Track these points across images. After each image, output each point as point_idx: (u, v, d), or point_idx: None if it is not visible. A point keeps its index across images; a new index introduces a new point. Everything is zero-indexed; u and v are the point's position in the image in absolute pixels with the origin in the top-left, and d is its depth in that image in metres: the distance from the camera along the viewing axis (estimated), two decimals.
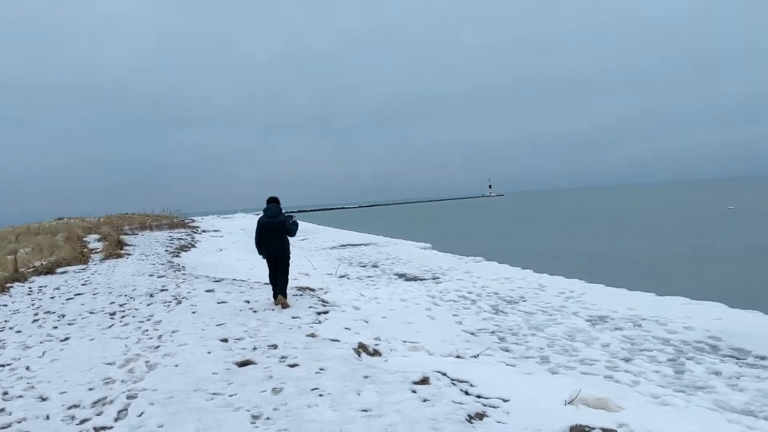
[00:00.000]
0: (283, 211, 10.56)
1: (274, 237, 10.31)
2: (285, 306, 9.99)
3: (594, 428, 4.33)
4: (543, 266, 16.58)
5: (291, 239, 10.72)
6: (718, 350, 7.22)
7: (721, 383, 5.97)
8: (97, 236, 26.00)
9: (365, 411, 4.87)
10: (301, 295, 11.29)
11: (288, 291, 10.97)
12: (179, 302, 10.80)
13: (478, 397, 5.35)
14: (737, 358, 6.82)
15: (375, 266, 17.66)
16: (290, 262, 10.69)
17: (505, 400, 5.21)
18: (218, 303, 10.50)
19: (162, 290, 12.36)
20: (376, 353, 7.16)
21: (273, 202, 10.50)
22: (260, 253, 10.52)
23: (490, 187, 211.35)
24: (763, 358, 6.77)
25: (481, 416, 4.82)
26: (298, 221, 10.81)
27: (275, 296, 10.35)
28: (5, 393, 6.04)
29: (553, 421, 4.66)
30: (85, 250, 21.03)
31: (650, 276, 15.75)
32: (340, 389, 5.44)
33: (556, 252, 23.51)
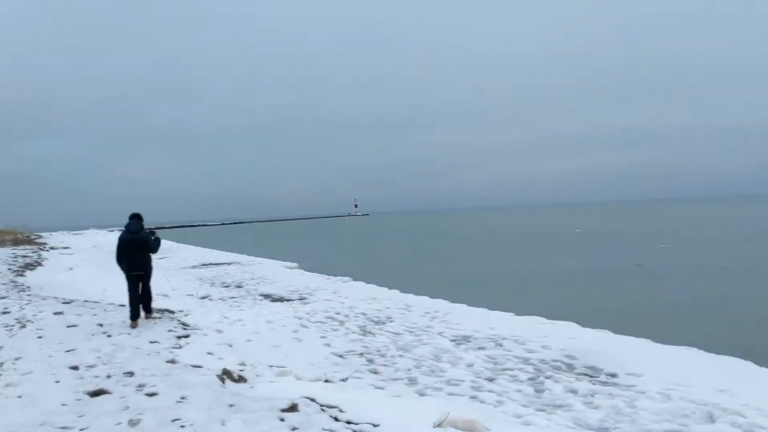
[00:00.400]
0: (145, 227, 10.32)
1: (135, 253, 10.08)
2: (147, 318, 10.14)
3: None
4: (409, 286, 16.89)
5: (152, 256, 10.47)
6: (574, 369, 7.63)
7: (578, 401, 6.28)
8: None
9: None
10: (160, 317, 10.69)
11: (144, 313, 10.50)
12: (23, 326, 9.85)
13: (348, 423, 5.25)
14: (591, 376, 7.23)
15: (239, 287, 17.17)
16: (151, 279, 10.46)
17: (375, 425, 5.15)
18: (68, 327, 9.68)
19: (4, 312, 11.22)
20: (241, 379, 6.88)
21: (135, 218, 10.30)
22: (121, 269, 10.19)
23: (356, 206, 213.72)
24: (613, 375, 7.22)
25: None
26: (160, 238, 10.60)
27: (132, 317, 9.97)
28: None
29: None
30: None
31: (508, 296, 16.51)
32: (203, 419, 5.13)
33: (421, 272, 24.10)
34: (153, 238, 10.29)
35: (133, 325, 9.75)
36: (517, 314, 11.48)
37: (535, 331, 9.77)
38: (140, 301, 10.21)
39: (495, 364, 7.92)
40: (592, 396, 6.43)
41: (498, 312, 11.77)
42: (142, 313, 10.33)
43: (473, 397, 6.49)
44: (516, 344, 8.96)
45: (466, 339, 9.46)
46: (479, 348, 8.83)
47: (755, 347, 9.68)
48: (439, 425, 5.08)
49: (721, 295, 15.33)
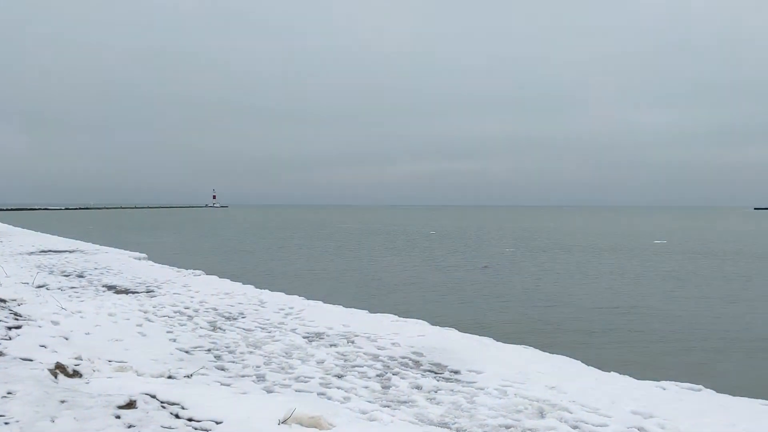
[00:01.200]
0: None
1: None
2: None
3: None
4: (263, 282, 16.71)
5: None
6: (420, 365, 7.86)
7: (422, 397, 6.48)
8: None
9: None
10: None
11: None
12: None
13: (190, 420, 5.08)
14: (435, 373, 7.49)
15: (81, 276, 16.12)
16: None
17: (218, 423, 5.03)
18: None
19: None
20: (76, 374, 6.45)
21: None
22: None
23: (214, 197, 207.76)
24: (456, 372, 7.52)
25: None
26: None
27: None
28: None
29: None
30: None
31: (364, 294, 16.81)
32: (30, 416, 4.75)
33: (278, 267, 23.90)
34: None
35: None
36: (371, 312, 11.68)
37: (387, 329, 9.97)
38: None
39: (345, 360, 8.00)
40: (436, 392, 6.66)
41: (353, 309, 11.90)
42: None
43: (321, 394, 6.50)
44: (367, 341, 9.10)
45: (319, 336, 9.48)
46: (331, 345, 8.88)
47: (582, 347, 10.58)
48: (284, 422, 5.05)
49: (558, 297, 16.53)
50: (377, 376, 7.34)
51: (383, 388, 6.85)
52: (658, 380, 7.35)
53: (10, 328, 8.29)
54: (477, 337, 9.63)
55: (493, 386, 6.87)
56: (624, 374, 7.62)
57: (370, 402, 6.26)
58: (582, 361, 8.16)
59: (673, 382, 7.27)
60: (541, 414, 5.97)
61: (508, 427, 5.59)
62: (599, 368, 7.92)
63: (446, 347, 8.72)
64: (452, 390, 6.75)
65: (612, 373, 7.68)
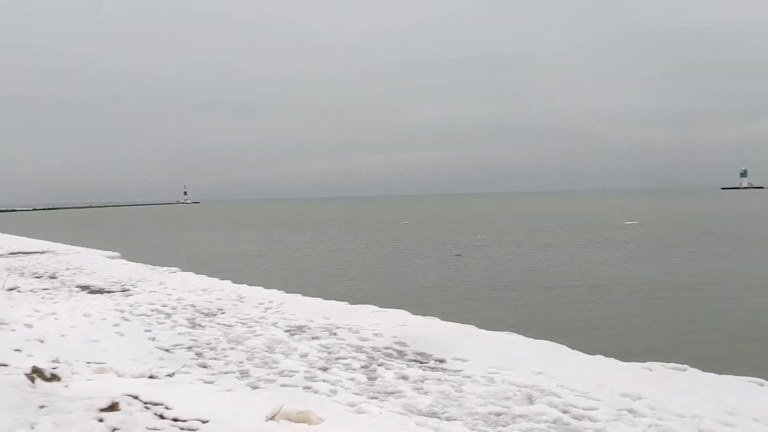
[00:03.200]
0: None
1: None
2: None
3: None
4: (241, 276, 16.54)
5: None
6: (405, 355, 7.81)
7: (409, 387, 6.43)
8: None
9: None
10: None
11: None
12: None
13: (175, 420, 4.97)
14: (421, 362, 7.44)
15: (53, 277, 15.80)
16: None
17: (204, 422, 4.92)
18: None
19: None
20: (54, 378, 6.27)
21: None
22: None
23: (185, 193, 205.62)
24: (442, 361, 7.49)
25: None
26: None
27: None
28: None
29: None
30: None
31: (342, 285, 16.74)
32: (9, 423, 4.59)
33: (255, 262, 23.69)
34: None
35: None
36: (351, 303, 11.61)
37: (368, 320, 9.91)
38: None
39: (329, 353, 7.92)
40: (422, 382, 6.62)
41: (332, 301, 11.82)
42: None
43: (307, 388, 6.42)
44: (350, 333, 9.03)
45: (301, 329, 9.39)
46: (313, 338, 8.79)
47: (565, 330, 10.64)
48: (272, 418, 4.96)
49: (536, 283, 16.63)
50: (362, 367, 7.28)
51: (369, 379, 6.79)
52: (644, 361, 7.40)
53: None
54: (460, 325, 9.61)
55: (479, 374, 6.85)
56: (609, 357, 7.66)
57: (357, 394, 6.21)
58: (567, 345, 8.17)
59: (659, 363, 7.32)
60: (530, 400, 5.96)
61: (498, 414, 5.57)
62: (584, 352, 7.94)
63: (429, 336, 8.69)
64: (439, 379, 6.72)
65: (597, 356, 7.70)
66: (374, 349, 8.16)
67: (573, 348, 8.07)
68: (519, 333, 9.02)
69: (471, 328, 9.35)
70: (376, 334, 8.93)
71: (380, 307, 11.12)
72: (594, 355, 7.77)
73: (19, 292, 12.93)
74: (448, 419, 5.46)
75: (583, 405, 5.78)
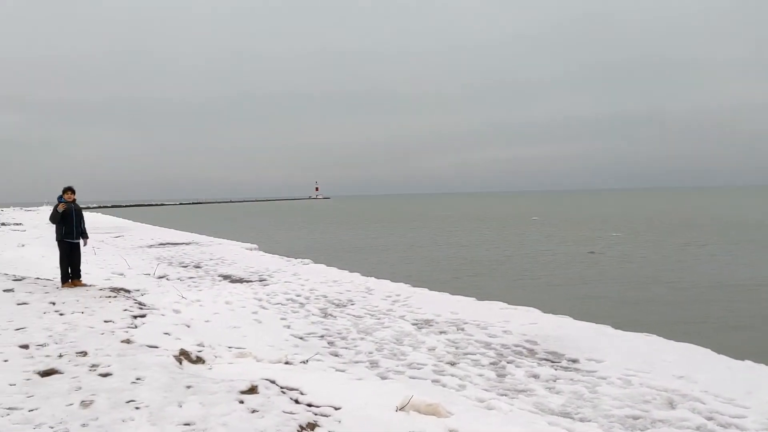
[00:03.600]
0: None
1: (78, 223, 11.57)
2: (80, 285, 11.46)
3: None
4: (370, 270, 16.84)
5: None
6: (535, 354, 7.64)
7: (540, 386, 6.28)
8: None
9: (187, 425, 4.47)
10: (116, 296, 10.40)
11: (99, 292, 10.82)
12: None
13: (309, 405, 5.15)
14: (552, 362, 7.24)
15: (198, 267, 16.88)
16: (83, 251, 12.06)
17: (336, 408, 5.07)
18: (18, 304, 9.35)
19: None
20: (199, 360, 6.71)
21: (72, 191, 11.59)
22: (75, 239, 11.63)
23: (317, 189, 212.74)
24: (575, 361, 7.25)
25: (312, 426, 4.63)
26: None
27: (65, 280, 11.51)
28: None
29: (385, 428, 4.59)
30: None
31: (470, 281, 16.61)
32: (159, 401, 4.96)
33: (383, 256, 24.07)
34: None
35: (73, 285, 11.39)
36: (479, 299, 11.49)
37: (497, 316, 9.77)
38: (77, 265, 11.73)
39: (457, 348, 7.90)
40: (554, 381, 6.44)
41: (459, 297, 11.76)
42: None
43: (435, 381, 6.44)
44: (477, 329, 8.95)
45: (428, 323, 9.43)
46: (441, 332, 8.80)
47: (712, 334, 9.90)
48: (402, 409, 5.01)
49: (675, 283, 15.66)
50: (491, 364, 7.19)
51: (498, 376, 6.70)
52: None
53: (135, 317, 8.76)
54: (594, 324, 9.24)
55: (615, 375, 6.56)
56: (759, 362, 7.07)
57: (486, 390, 6.14)
58: (711, 349, 7.62)
59: None
60: (671, 404, 5.63)
61: (635, 417, 5.32)
62: (730, 356, 7.37)
63: (561, 335, 8.43)
64: (572, 379, 6.51)
65: (746, 361, 7.13)
66: (503, 346, 8.04)
67: (718, 352, 7.52)
68: (657, 335, 8.53)
69: (606, 328, 8.96)
70: (505, 331, 8.79)
71: (508, 304, 10.92)
72: (742, 360, 7.20)
73: (167, 280, 13.92)
74: (581, 420, 5.28)
75: (729, 412, 5.39)
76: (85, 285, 11.61)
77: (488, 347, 7.96)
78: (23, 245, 21.18)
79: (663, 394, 5.92)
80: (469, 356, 7.50)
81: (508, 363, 7.19)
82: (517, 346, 8.03)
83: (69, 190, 11.56)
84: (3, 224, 32.88)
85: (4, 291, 10.62)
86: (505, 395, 5.99)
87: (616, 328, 8.94)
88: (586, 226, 40.74)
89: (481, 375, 6.70)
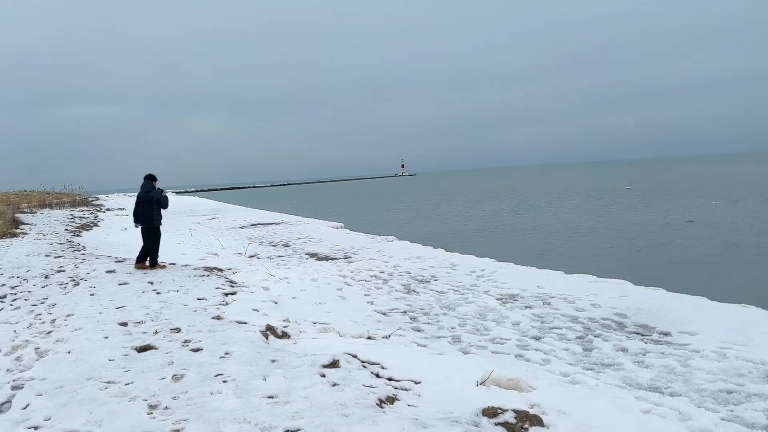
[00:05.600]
0: (157, 187, 12.06)
1: (144, 210, 11.70)
2: (145, 268, 11.54)
3: (506, 410, 4.24)
4: (454, 245, 16.73)
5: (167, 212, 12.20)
6: (624, 327, 7.37)
7: (628, 360, 6.06)
8: None
9: (271, 398, 4.60)
10: (209, 275, 10.81)
11: (194, 271, 11.19)
12: (77, 284, 10.11)
13: (390, 379, 5.19)
14: (642, 335, 6.97)
15: (286, 246, 17.31)
16: (161, 232, 12.03)
17: (416, 382, 5.08)
18: (119, 284, 9.91)
19: (59, 271, 11.55)
20: (284, 335, 6.89)
21: (147, 179, 11.91)
22: (135, 223, 12.01)
23: (402, 166, 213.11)
24: (666, 334, 6.95)
25: (392, 400, 4.66)
26: (167, 195, 12.23)
27: (137, 260, 11.80)
28: None
29: (465, 402, 4.55)
30: None
31: (557, 254, 16.19)
32: (245, 374, 5.13)
33: (466, 231, 23.86)
34: (162, 195, 11.81)
35: (138, 267, 11.63)
36: (567, 273, 11.19)
37: (585, 290, 9.49)
38: (146, 250, 11.75)
39: (542, 322, 7.74)
40: (644, 355, 6.19)
41: (547, 270, 11.49)
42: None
43: (518, 356, 6.34)
44: (565, 303, 8.73)
45: (513, 298, 9.28)
46: (526, 306, 8.64)
47: None
48: (482, 383, 4.96)
49: None
50: (577, 338, 7.01)
51: (585, 350, 6.52)
52: None
53: (226, 294, 9.08)
54: (689, 296, 8.80)
55: (710, 348, 6.25)
56: None
57: (571, 365, 5.99)
58: None
59: None
60: None
61: (729, 392, 5.04)
62: None
63: (653, 308, 8.09)
64: (662, 353, 6.24)
65: None
66: (591, 319, 7.81)
67: None
68: (758, 306, 8.03)
69: (702, 300, 8.52)
70: (593, 305, 8.53)
71: (598, 277, 10.59)
72: None
73: (258, 258, 14.36)
74: (671, 395, 5.05)
75: None
76: (151, 267, 11.77)
77: (575, 321, 7.75)
78: (126, 229, 22.36)
79: (760, 368, 5.58)
80: (554, 330, 7.33)
81: (595, 337, 6.98)
82: (605, 319, 7.78)
83: (156, 178, 12.04)
84: (108, 209, 34.82)
85: (107, 272, 11.27)
86: (591, 369, 5.82)
87: (712, 300, 8.49)
88: (684, 194, 38.80)
89: (566, 349, 6.54)
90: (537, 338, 7.01)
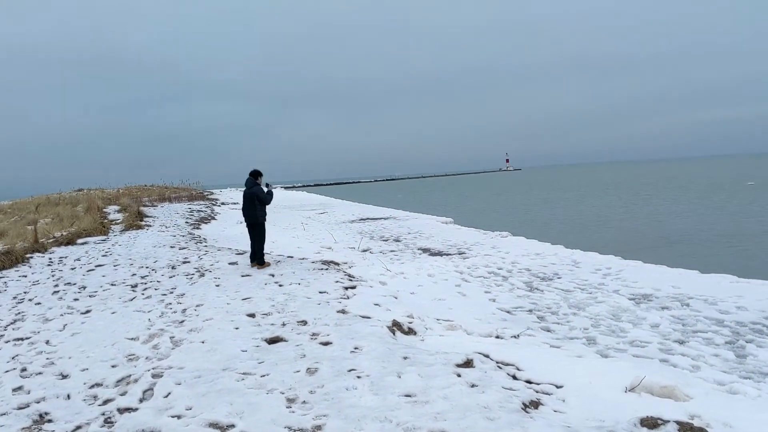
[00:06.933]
0: (265, 182, 11.66)
1: (248, 205, 11.40)
2: (260, 266, 11.13)
3: (667, 421, 3.89)
4: (573, 241, 16.08)
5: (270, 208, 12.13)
6: None
7: None
8: (116, 207, 25.81)
9: (409, 396, 4.47)
10: (327, 269, 10.91)
11: (312, 264, 11.29)
12: (202, 275, 10.47)
13: (528, 382, 4.93)
14: None
15: (397, 240, 17.27)
16: (265, 228, 11.67)
17: (558, 387, 4.79)
18: (242, 276, 10.17)
19: (184, 262, 12.05)
20: (411, 332, 6.77)
21: (251, 174, 11.51)
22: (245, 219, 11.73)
23: (507, 161, 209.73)
24: None
25: (536, 404, 4.41)
26: (272, 191, 11.74)
27: (251, 260, 11.41)
28: (24, 369, 5.71)
29: (615, 410, 4.24)
30: (106, 221, 20.80)
31: (686, 251, 15.21)
32: (378, 371, 5.04)
33: (584, 227, 22.96)
34: (267, 191, 11.42)
35: (253, 266, 11.19)
36: (702, 272, 10.42)
37: (727, 291, 8.79)
38: (253, 246, 11.42)
39: (683, 325, 7.20)
40: None
41: (680, 269, 10.75)
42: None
43: (663, 361, 5.91)
44: (705, 304, 8.11)
45: (647, 298, 8.73)
46: (663, 308, 8.09)
47: None
48: (632, 390, 4.61)
49: None
50: (726, 343, 6.46)
51: (738, 357, 5.98)
52: None
53: (346, 288, 9.08)
54: None
55: None
56: None
57: (725, 372, 5.51)
58: None
59: None
60: None
61: None
62: None
63: None
64: None
65: None
66: (738, 323, 7.19)
67: None
68: None
69: None
70: (738, 307, 7.87)
71: (739, 277, 9.79)
72: None
73: (371, 253, 14.39)
74: None
75: None
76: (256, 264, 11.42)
77: (721, 324, 7.16)
78: (241, 222, 23.16)
79: None
80: (699, 334, 6.80)
81: (747, 342, 6.41)
82: (755, 323, 7.15)
83: (260, 174, 11.59)
84: (223, 203, 36.24)
85: (230, 264, 11.63)
86: (749, 378, 5.32)
87: None
88: None
89: (716, 355, 6.03)
90: (681, 342, 6.51)
